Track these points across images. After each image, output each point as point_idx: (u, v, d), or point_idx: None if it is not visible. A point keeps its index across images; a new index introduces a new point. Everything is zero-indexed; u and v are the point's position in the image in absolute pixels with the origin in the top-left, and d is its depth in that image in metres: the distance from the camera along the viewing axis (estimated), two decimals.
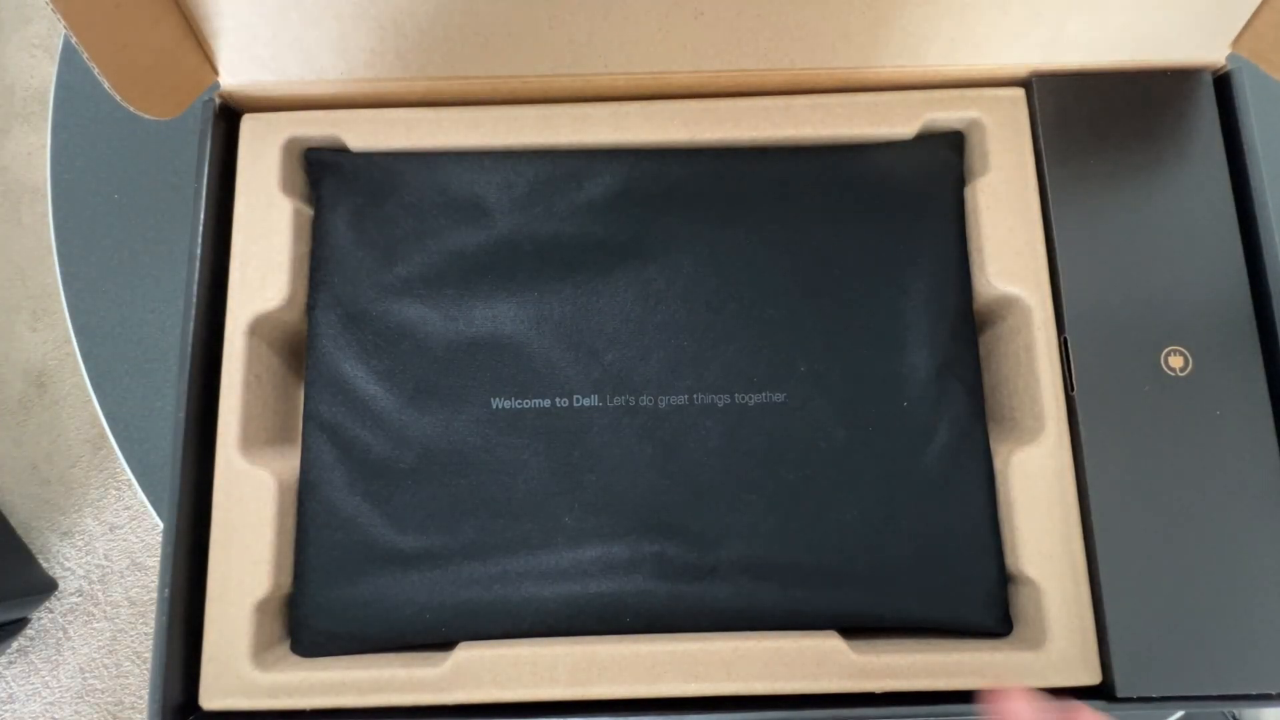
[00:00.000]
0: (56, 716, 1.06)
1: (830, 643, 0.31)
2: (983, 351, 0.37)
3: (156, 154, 0.47)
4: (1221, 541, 0.31)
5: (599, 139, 0.36)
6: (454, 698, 0.31)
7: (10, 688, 1.06)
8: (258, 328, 0.34)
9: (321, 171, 0.37)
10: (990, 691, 0.25)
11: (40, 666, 1.07)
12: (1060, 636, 0.31)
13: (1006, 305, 0.35)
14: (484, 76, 0.35)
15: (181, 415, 0.32)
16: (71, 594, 1.08)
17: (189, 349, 0.33)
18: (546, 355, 0.34)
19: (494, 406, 0.34)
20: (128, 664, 1.07)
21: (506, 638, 0.32)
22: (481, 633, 0.33)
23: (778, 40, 0.34)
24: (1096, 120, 0.35)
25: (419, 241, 0.36)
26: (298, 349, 0.37)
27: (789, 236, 0.36)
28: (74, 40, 0.28)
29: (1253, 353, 0.32)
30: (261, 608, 0.32)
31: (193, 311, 0.33)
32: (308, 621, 0.33)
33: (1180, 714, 0.41)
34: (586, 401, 0.34)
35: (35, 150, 1.17)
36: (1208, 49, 0.35)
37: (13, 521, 1.08)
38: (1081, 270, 0.33)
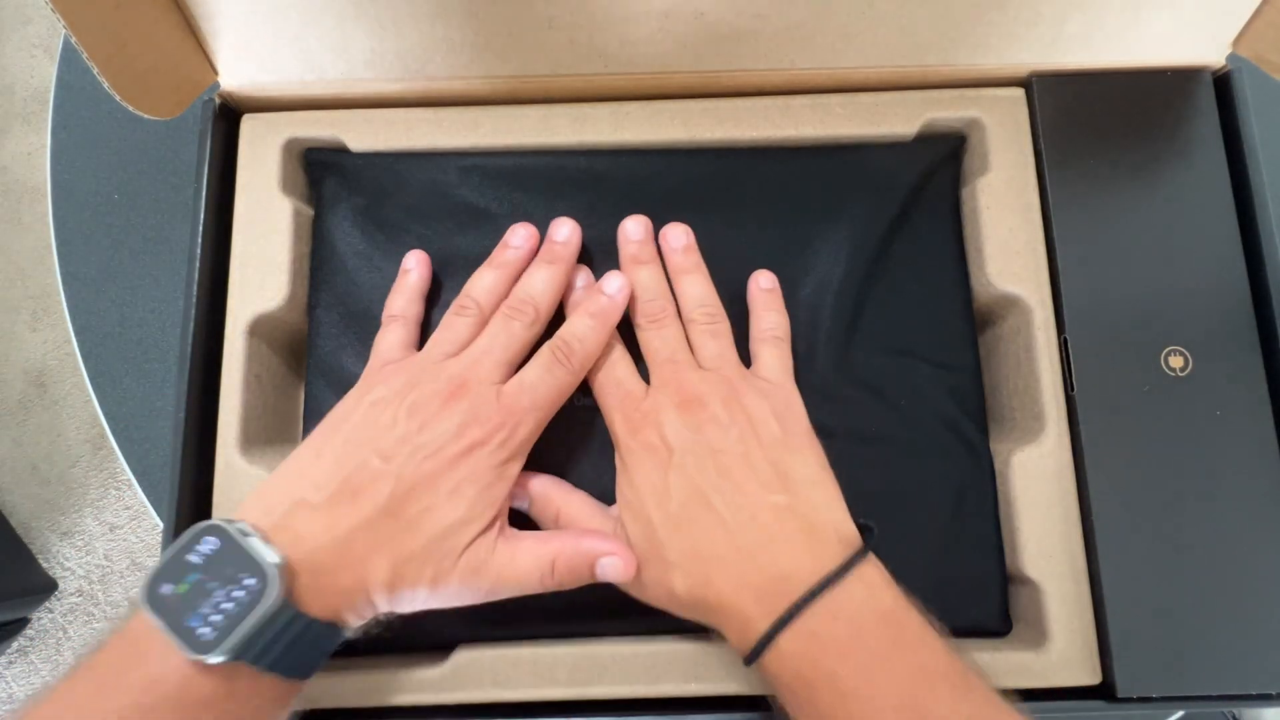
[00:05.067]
0: None
1: None
2: (983, 351, 0.37)
3: (156, 154, 0.47)
4: (1221, 541, 0.31)
5: (599, 139, 0.36)
6: (454, 698, 0.31)
7: (10, 688, 1.06)
8: (258, 328, 0.34)
9: (322, 172, 0.37)
10: None
11: (40, 666, 1.07)
12: (1060, 636, 0.31)
13: (1007, 305, 0.35)
14: (484, 76, 0.35)
15: (181, 415, 0.32)
16: (71, 594, 1.08)
17: (189, 349, 0.33)
18: None
19: None
20: None
21: (508, 638, 0.32)
22: (483, 633, 0.33)
23: (778, 40, 0.34)
24: (1096, 120, 0.35)
25: (420, 241, 0.36)
26: (298, 349, 0.37)
27: (789, 238, 0.36)
28: (74, 40, 0.28)
29: (1253, 353, 0.32)
30: None
31: (193, 311, 0.33)
32: None
33: (1180, 714, 0.41)
34: (589, 401, 0.34)
35: (35, 150, 1.17)
36: (1208, 49, 0.35)
37: (13, 521, 1.08)
38: (1081, 270, 0.33)
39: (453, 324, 0.32)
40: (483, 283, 0.33)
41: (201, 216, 0.34)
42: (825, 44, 0.34)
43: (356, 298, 0.35)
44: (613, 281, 0.33)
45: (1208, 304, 0.33)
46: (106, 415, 0.45)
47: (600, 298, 0.33)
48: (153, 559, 1.08)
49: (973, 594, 0.33)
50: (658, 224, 0.36)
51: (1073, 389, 0.33)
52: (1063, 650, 0.31)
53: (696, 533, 0.28)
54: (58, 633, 1.07)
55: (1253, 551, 0.31)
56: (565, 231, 0.34)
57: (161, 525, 0.33)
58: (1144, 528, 0.31)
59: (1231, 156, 0.34)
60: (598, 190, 0.36)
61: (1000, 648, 0.32)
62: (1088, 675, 0.31)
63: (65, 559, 1.09)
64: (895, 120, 0.36)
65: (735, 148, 0.36)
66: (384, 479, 0.28)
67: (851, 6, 0.33)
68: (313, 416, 0.35)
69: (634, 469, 0.30)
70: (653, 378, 0.32)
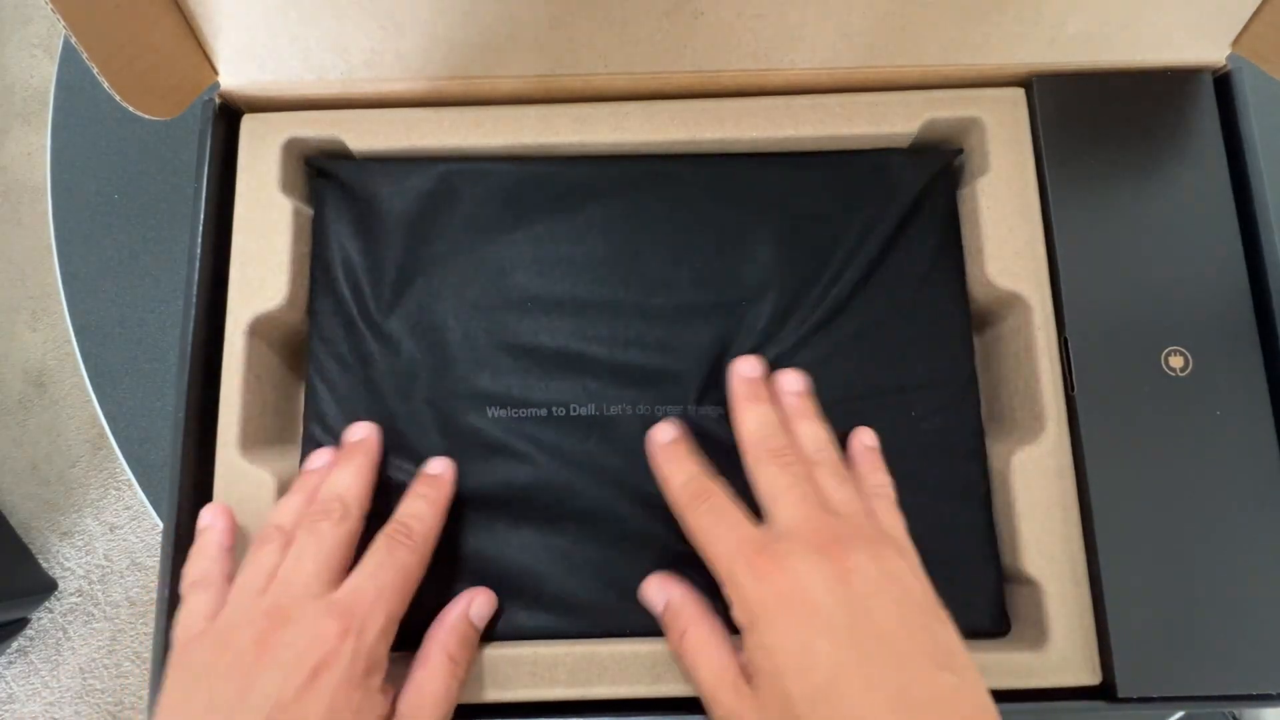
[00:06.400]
0: (56, 716, 1.06)
1: None
2: (983, 351, 0.37)
3: (156, 154, 0.47)
4: (1222, 541, 0.31)
5: (599, 139, 0.36)
6: None
7: (10, 688, 1.06)
8: (258, 328, 0.34)
9: (323, 175, 0.37)
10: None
11: (40, 666, 1.07)
12: (1061, 637, 0.31)
13: (1006, 305, 0.35)
14: (484, 76, 0.35)
15: (181, 415, 0.32)
16: (71, 594, 1.08)
17: (189, 349, 0.33)
18: (544, 363, 0.34)
19: (490, 415, 0.34)
20: (128, 664, 1.07)
21: (509, 638, 0.32)
22: (483, 634, 0.33)
23: (778, 40, 0.34)
24: (1096, 120, 0.35)
25: (421, 245, 0.36)
26: (298, 349, 0.37)
27: (790, 242, 0.36)
28: (74, 40, 0.28)
29: (1253, 353, 0.32)
30: None
31: (193, 311, 0.33)
32: None
33: (1180, 714, 0.41)
34: (583, 410, 0.34)
35: (35, 150, 1.17)
36: (1208, 49, 0.35)
37: (13, 521, 1.08)
38: (1081, 270, 0.33)
39: (255, 557, 0.29)
40: (288, 505, 0.31)
41: (201, 216, 0.34)
42: (825, 44, 0.34)
43: (357, 301, 0.35)
44: (435, 464, 0.33)
45: (1208, 304, 0.33)
46: (106, 415, 0.45)
47: (426, 477, 0.32)
48: (153, 559, 1.08)
49: (970, 595, 0.33)
50: (658, 230, 0.36)
51: (1073, 389, 0.33)
52: (1063, 650, 0.31)
53: (853, 713, 0.23)
54: (57, 633, 1.07)
55: (1253, 551, 0.31)
56: (360, 432, 0.33)
57: (161, 525, 0.34)
58: (1144, 528, 0.31)
59: (1231, 156, 0.34)
60: (598, 201, 0.36)
61: (1000, 648, 0.32)
62: (1088, 675, 0.31)
63: (65, 559, 1.09)
64: (895, 120, 0.36)
65: (735, 154, 0.36)
66: None
67: (851, 6, 0.33)
68: (313, 417, 0.35)
69: (767, 627, 0.25)
70: (780, 518, 0.28)
